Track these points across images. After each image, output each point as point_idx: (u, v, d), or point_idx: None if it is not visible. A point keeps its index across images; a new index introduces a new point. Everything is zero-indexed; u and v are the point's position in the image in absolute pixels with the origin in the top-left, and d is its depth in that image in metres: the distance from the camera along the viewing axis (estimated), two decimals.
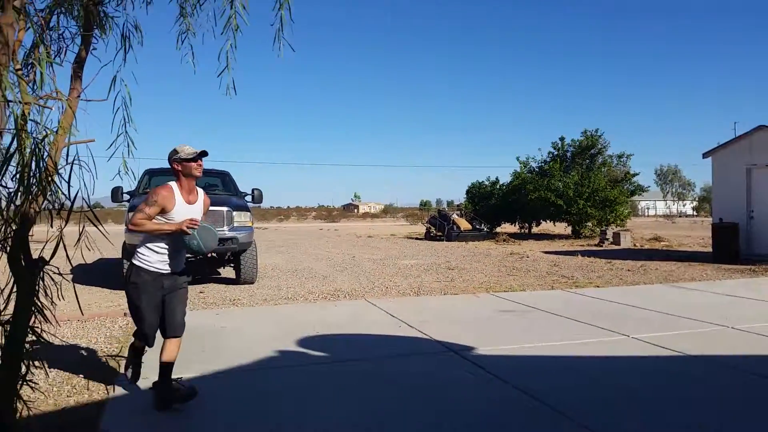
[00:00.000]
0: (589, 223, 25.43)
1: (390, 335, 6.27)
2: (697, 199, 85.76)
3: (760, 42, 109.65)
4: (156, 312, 3.96)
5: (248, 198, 11.24)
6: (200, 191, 4.15)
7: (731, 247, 14.10)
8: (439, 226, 25.15)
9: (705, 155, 16.09)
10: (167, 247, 3.94)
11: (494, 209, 29.23)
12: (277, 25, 3.26)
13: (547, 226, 30.81)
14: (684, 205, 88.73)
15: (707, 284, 10.21)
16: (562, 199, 24.59)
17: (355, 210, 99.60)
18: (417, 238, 26.14)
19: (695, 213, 76.68)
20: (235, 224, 9.74)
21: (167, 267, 3.96)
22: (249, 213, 10.22)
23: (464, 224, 25.21)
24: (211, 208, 4.95)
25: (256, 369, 5.02)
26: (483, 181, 31.63)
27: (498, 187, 30.46)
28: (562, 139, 27.93)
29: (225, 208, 9.63)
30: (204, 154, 3.95)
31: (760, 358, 5.27)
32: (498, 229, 29.00)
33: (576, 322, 6.83)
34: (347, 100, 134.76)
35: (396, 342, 5.98)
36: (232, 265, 10.60)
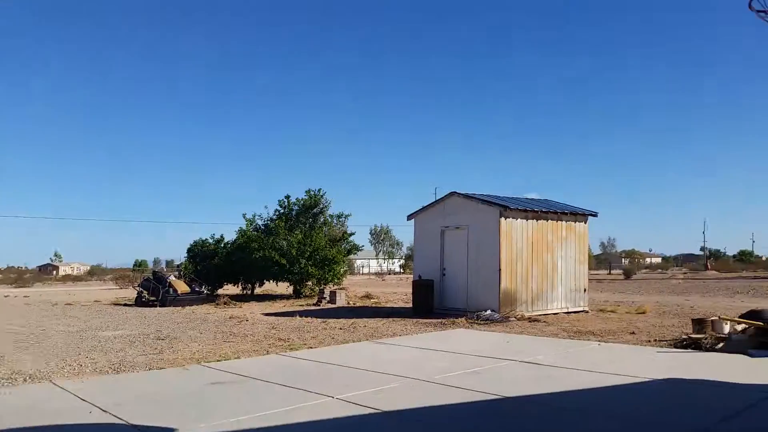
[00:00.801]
0: (310, 282, 26.27)
1: (76, 425, 5.44)
2: (404, 257, 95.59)
3: (457, 117, 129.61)
4: None
5: None
6: None
7: (427, 302, 15.87)
8: (153, 289, 23.34)
9: (409, 217, 18.01)
10: None
11: (217, 269, 28.35)
12: None
13: (270, 287, 30.96)
14: (393, 263, 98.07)
15: (407, 339, 11.23)
16: (286, 258, 25.03)
17: (55, 272, 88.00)
18: (126, 304, 23.84)
19: (402, 270, 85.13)
20: None
21: None
22: None
23: (182, 287, 23.90)
24: None
25: None
26: (207, 239, 30.57)
27: (222, 245, 29.74)
28: (287, 197, 28.59)
29: None
30: None
31: (452, 407, 5.86)
32: (220, 291, 28.16)
33: (287, 388, 6.82)
34: (42, 139, 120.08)
35: None
36: None
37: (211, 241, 30.23)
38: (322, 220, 28.82)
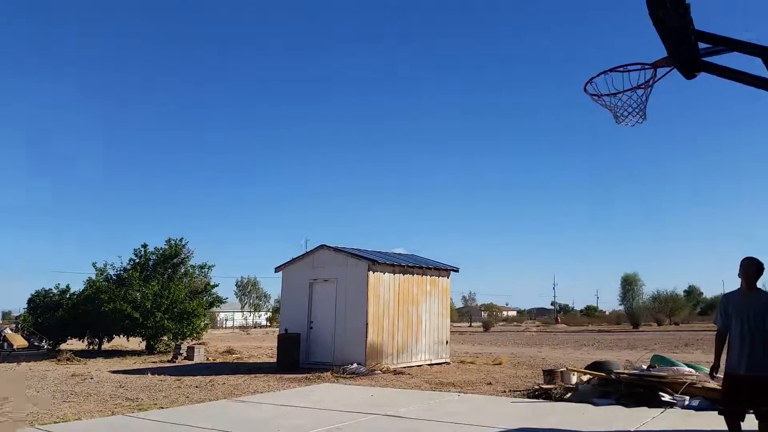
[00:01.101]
0: (165, 337, 24.65)
1: None
2: (271, 310, 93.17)
3: (328, 170, 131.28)
4: None
5: None
6: None
7: (293, 357, 15.44)
8: None
9: (277, 269, 17.60)
10: None
11: (61, 322, 25.78)
12: None
13: (120, 342, 28.61)
14: (260, 316, 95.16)
15: (268, 396, 10.77)
16: (139, 311, 23.38)
17: None
18: None
19: (269, 323, 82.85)
20: None
21: None
22: None
23: (19, 341, 21.51)
24: None
25: None
26: (51, 289, 27.84)
27: (68, 296, 27.19)
28: (144, 246, 26.92)
29: None
30: None
31: None
32: (63, 346, 25.61)
33: None
34: None
35: None
36: None
37: (55, 291, 27.59)
38: (183, 270, 27.42)
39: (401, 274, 16.28)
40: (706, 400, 8.37)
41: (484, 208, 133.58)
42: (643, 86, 5.55)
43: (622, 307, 72.87)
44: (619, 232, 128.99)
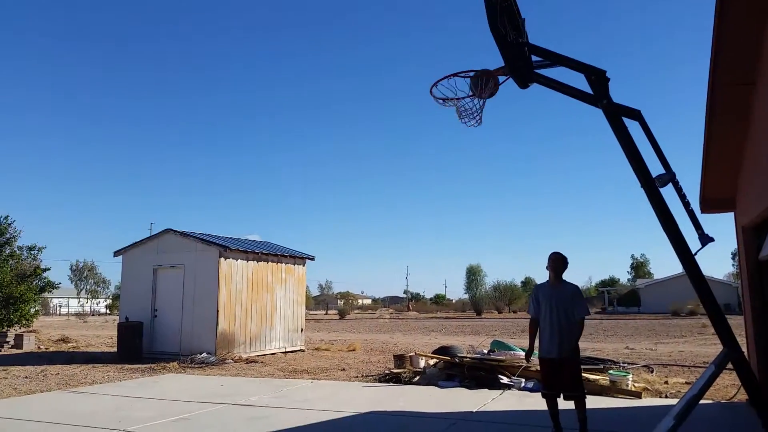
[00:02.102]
0: None
1: None
2: (111, 297, 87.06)
3: (172, 153, 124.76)
4: None
5: None
6: None
7: (135, 346, 14.55)
8: None
9: (116, 253, 16.43)
10: None
11: None
12: None
13: None
14: (98, 303, 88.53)
15: (108, 386, 10.08)
16: None
17: None
18: None
19: (108, 311, 77.44)
20: None
21: None
22: None
23: None
24: None
25: None
26: None
27: None
28: None
29: None
30: None
31: None
32: None
33: None
34: None
35: None
36: None
37: None
38: (8, 251, 24.77)
39: (255, 261, 15.96)
40: (540, 382, 9.18)
41: (339, 199, 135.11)
42: (484, 94, 5.92)
43: (467, 296, 77.54)
44: (465, 226, 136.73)
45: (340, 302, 79.33)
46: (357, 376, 11.34)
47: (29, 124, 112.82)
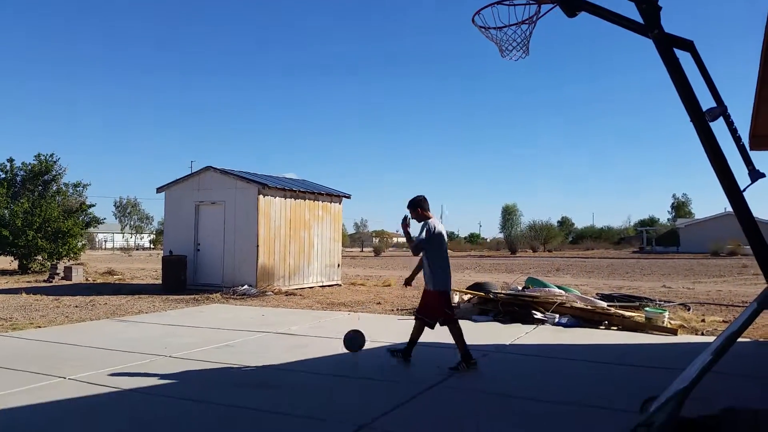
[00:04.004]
0: (39, 257, 23.18)
1: None
2: (154, 232, 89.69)
3: (215, 91, 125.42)
4: None
5: None
6: None
7: (179, 278, 15.09)
8: None
9: (159, 190, 16.83)
10: None
11: None
12: None
13: None
14: (142, 238, 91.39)
15: (154, 315, 10.54)
16: (9, 229, 21.71)
17: None
18: None
19: (152, 246, 79.92)
20: None
21: None
22: None
23: None
24: None
25: None
26: None
27: None
28: (11, 160, 24.71)
29: None
30: None
31: (198, 380, 5.61)
32: None
33: (5, 370, 5.90)
34: None
35: None
36: None
37: None
38: (54, 188, 25.62)
39: (292, 199, 16.16)
40: (574, 318, 9.24)
41: (376, 136, 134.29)
42: (527, 21, 5.67)
43: (501, 235, 77.43)
44: (501, 165, 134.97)
45: (376, 240, 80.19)
46: (392, 310, 11.57)
47: (74, 64, 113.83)
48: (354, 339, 6.71)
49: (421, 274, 6.69)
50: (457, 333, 6.22)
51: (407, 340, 6.69)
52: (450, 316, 6.33)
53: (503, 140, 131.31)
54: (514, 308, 9.72)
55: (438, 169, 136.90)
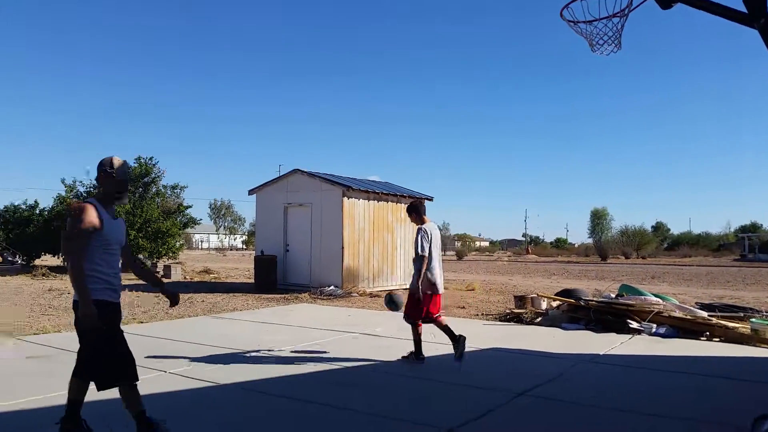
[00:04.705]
0: (141, 256, 24.67)
1: None
2: (246, 233, 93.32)
3: (304, 93, 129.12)
4: None
5: None
6: None
7: (270, 278, 15.62)
8: None
9: (251, 192, 17.52)
10: None
11: (33, 238, 25.56)
12: None
13: None
14: (235, 239, 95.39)
15: (247, 313, 10.96)
16: None
17: None
18: None
19: (245, 246, 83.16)
20: None
21: None
22: None
23: None
24: None
25: None
26: (20, 205, 27.39)
27: (38, 212, 26.83)
28: None
29: None
30: None
31: (289, 378, 5.79)
32: (37, 262, 25.48)
33: None
34: None
35: None
36: None
37: (24, 207, 27.16)
38: (154, 190, 27.11)
39: (376, 201, 16.34)
40: (672, 328, 8.76)
41: (459, 140, 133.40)
42: (618, 14, 5.42)
43: (590, 240, 74.74)
44: (590, 168, 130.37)
45: (458, 244, 79.57)
46: (476, 315, 11.44)
47: (175, 69, 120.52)
48: (392, 301, 7.36)
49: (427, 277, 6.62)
50: (417, 336, 6.67)
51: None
52: (417, 319, 6.63)
53: (593, 142, 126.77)
54: (607, 316, 9.35)
55: (522, 171, 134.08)
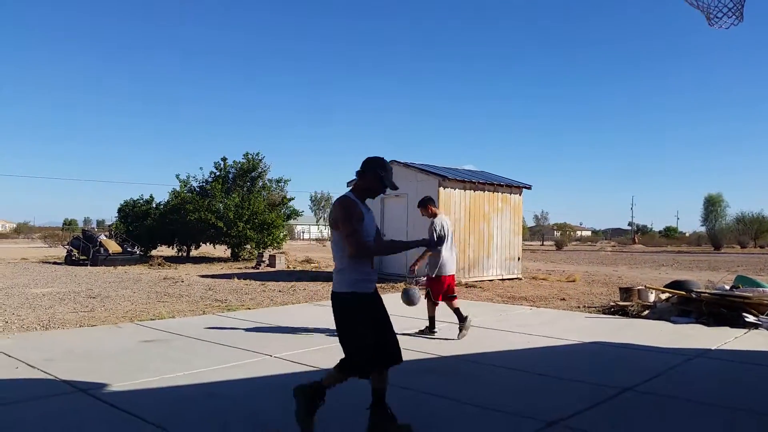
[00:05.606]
0: (248, 246, 25.95)
1: (1, 380, 5.20)
2: None
3: (401, 86, 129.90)
4: None
5: None
6: None
7: None
8: (84, 248, 22.52)
9: (349, 184, 17.91)
10: None
11: (150, 230, 27.59)
12: None
13: (206, 249, 30.38)
14: None
15: None
16: (223, 221, 24.60)
17: None
18: (56, 263, 22.96)
19: None
20: None
21: None
22: None
23: (114, 246, 23.14)
24: None
25: None
26: (138, 199, 29.62)
27: (155, 206, 28.89)
28: (224, 159, 27.93)
29: None
30: None
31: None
32: (154, 252, 27.45)
33: (223, 346, 6.74)
34: None
35: (8, 386, 4.98)
36: None
37: (142, 201, 29.32)
38: (260, 184, 28.36)
39: (471, 191, 16.18)
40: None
41: (559, 126, 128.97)
42: None
43: (703, 229, 70.11)
44: (703, 152, 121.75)
45: (557, 233, 77.23)
46: (578, 307, 11.11)
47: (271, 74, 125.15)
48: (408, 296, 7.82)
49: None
50: (431, 309, 8.00)
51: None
52: (438, 298, 7.94)
53: (703, 125, 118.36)
54: (721, 310, 8.77)
55: (629, 156, 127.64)
